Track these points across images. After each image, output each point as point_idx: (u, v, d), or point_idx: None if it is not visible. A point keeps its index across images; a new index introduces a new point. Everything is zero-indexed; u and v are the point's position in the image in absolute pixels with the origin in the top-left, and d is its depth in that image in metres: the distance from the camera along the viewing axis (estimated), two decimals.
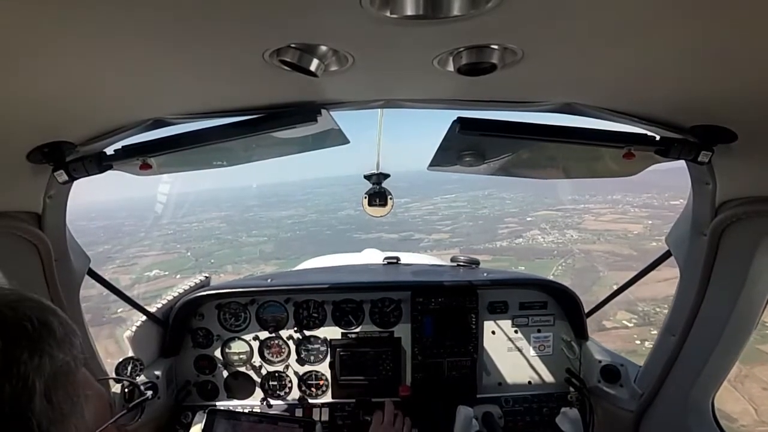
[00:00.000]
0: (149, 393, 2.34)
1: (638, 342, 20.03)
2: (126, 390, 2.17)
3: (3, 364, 0.70)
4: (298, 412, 2.81)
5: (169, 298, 2.80)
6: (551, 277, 3.13)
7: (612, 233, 43.96)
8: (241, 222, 72.13)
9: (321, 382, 2.87)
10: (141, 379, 2.43)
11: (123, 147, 1.67)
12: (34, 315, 0.78)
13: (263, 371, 2.86)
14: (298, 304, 2.87)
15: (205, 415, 2.16)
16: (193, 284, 2.95)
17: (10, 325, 0.74)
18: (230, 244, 59.84)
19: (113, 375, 2.30)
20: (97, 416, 0.88)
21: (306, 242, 56.55)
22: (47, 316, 0.80)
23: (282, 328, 2.86)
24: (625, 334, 21.22)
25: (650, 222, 42.63)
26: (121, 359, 2.37)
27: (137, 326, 2.53)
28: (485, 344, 2.88)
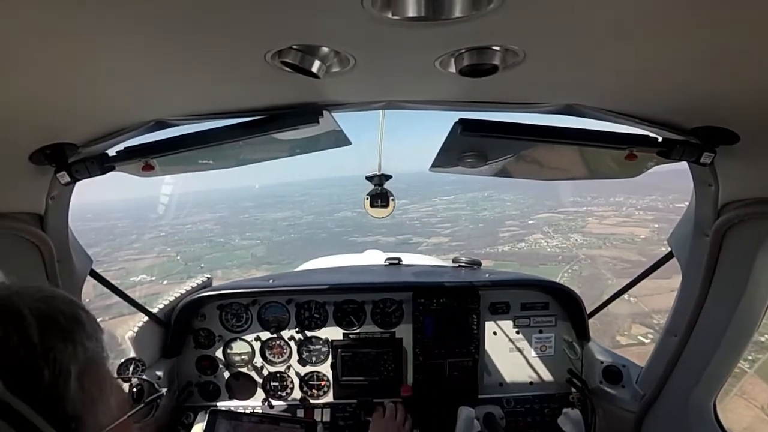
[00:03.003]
0: (164, 389, 2.35)
1: None
2: (134, 390, 2.17)
3: (41, 351, 0.75)
4: (300, 413, 2.81)
5: (171, 298, 2.81)
6: None
7: (618, 237, 42.84)
8: (235, 224, 70.67)
9: (322, 383, 2.88)
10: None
11: (125, 148, 1.68)
12: (65, 309, 0.84)
13: (265, 372, 2.86)
14: (300, 304, 2.87)
15: (207, 416, 2.16)
16: (194, 285, 2.95)
17: (45, 318, 0.79)
18: (222, 247, 58.38)
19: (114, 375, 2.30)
20: (119, 408, 0.92)
21: (300, 246, 55.29)
22: (77, 311, 0.87)
23: (283, 329, 2.86)
24: (643, 351, 19.60)
25: (656, 226, 41.40)
26: (122, 360, 2.38)
27: (139, 327, 2.54)
28: (487, 345, 2.88)
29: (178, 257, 50.00)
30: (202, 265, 46.93)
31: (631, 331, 20.66)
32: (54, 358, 0.76)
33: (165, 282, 33.66)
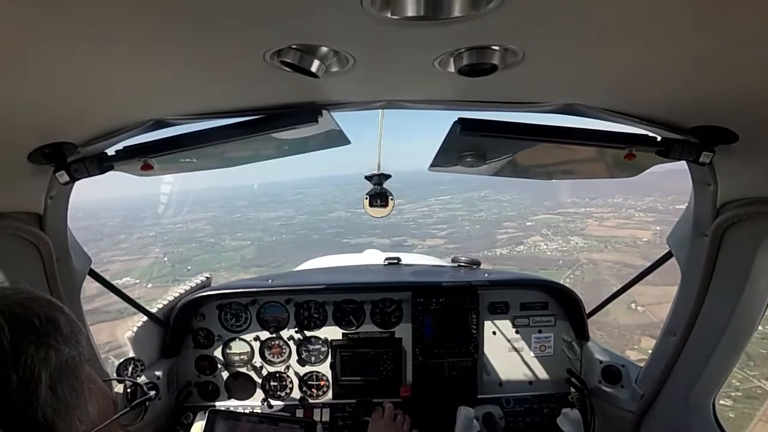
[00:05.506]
0: (152, 393, 2.35)
1: None
2: (128, 390, 2.17)
3: (11, 356, 0.74)
4: (299, 413, 2.81)
5: (170, 298, 2.80)
6: None
7: (619, 240, 42.13)
8: (227, 224, 68.76)
9: (322, 383, 2.88)
10: (142, 379, 2.44)
11: (124, 147, 1.67)
12: (41, 312, 0.82)
13: (264, 372, 2.86)
14: (299, 304, 2.87)
15: (206, 416, 2.16)
16: (194, 284, 2.95)
17: (19, 321, 0.78)
18: (211, 248, 56.63)
19: (114, 376, 2.30)
20: (101, 412, 0.90)
21: (291, 247, 53.89)
22: (54, 314, 0.84)
23: (283, 329, 2.86)
24: None
25: (658, 228, 40.36)
26: (122, 360, 2.37)
27: (138, 327, 2.53)
28: (486, 345, 2.88)
29: (165, 258, 48.46)
30: (189, 267, 45.44)
31: (640, 345, 19.37)
32: (24, 364, 0.74)
33: (150, 285, 32.60)
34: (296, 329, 2.84)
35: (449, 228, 59.48)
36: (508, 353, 2.88)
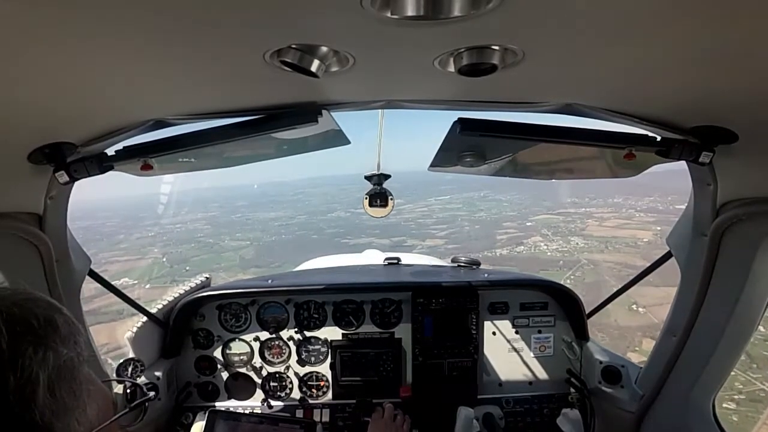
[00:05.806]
0: (152, 393, 2.35)
1: None
2: (128, 391, 2.17)
3: (9, 357, 0.73)
4: (299, 413, 2.81)
5: (170, 298, 2.80)
6: None
7: (620, 240, 41.89)
8: (227, 224, 68.34)
9: (321, 383, 2.88)
10: (142, 380, 2.43)
11: (124, 147, 1.67)
12: (40, 313, 0.81)
13: (264, 372, 2.86)
14: (299, 304, 2.87)
15: (206, 416, 2.16)
16: (193, 285, 2.95)
17: (17, 322, 0.77)
18: (210, 248, 56.24)
19: (114, 376, 2.30)
20: (100, 414, 0.90)
21: (290, 248, 53.50)
22: (53, 315, 0.84)
23: (283, 329, 2.86)
24: None
25: (659, 228, 40.00)
26: (122, 360, 2.37)
27: (138, 327, 2.53)
28: (486, 345, 2.88)
29: (164, 259, 48.13)
30: (188, 267, 44.96)
31: (642, 346, 19.35)
32: (22, 365, 0.74)
33: (148, 286, 32.49)
34: (296, 329, 2.84)
35: (449, 228, 59.24)
36: (507, 353, 2.88)
